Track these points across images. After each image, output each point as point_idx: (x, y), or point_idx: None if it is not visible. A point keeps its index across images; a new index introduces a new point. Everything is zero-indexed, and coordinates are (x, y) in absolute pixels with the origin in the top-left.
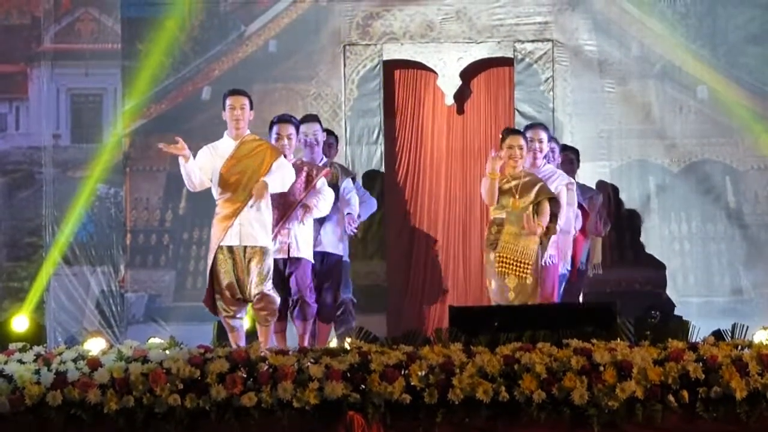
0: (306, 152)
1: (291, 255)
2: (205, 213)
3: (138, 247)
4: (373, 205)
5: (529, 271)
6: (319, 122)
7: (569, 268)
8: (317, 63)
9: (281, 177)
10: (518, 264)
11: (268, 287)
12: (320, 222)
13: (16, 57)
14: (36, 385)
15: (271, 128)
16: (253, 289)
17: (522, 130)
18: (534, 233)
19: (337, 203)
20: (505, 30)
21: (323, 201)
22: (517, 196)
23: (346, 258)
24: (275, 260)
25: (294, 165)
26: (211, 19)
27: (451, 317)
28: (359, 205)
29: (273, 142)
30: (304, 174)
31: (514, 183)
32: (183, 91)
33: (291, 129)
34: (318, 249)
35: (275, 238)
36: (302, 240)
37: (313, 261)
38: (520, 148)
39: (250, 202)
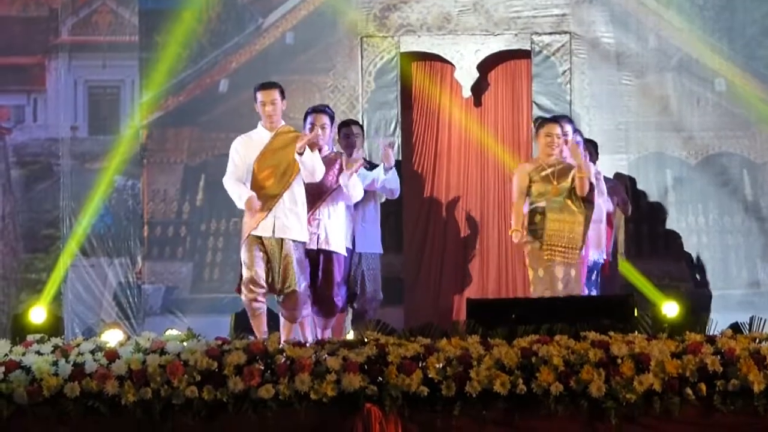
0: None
1: (320, 247)
2: (222, 205)
3: (155, 239)
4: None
5: (577, 257)
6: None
7: (605, 257)
8: (334, 55)
9: (312, 167)
10: (567, 250)
11: (302, 286)
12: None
13: (33, 49)
14: (54, 376)
15: (305, 119)
16: (285, 285)
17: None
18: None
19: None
20: (523, 22)
21: (355, 188)
22: (555, 182)
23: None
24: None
25: (328, 156)
26: (229, 12)
27: (468, 309)
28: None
29: (306, 132)
30: (337, 165)
31: (549, 170)
32: (200, 84)
33: (325, 119)
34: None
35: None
36: (333, 232)
37: (345, 254)
38: (558, 137)
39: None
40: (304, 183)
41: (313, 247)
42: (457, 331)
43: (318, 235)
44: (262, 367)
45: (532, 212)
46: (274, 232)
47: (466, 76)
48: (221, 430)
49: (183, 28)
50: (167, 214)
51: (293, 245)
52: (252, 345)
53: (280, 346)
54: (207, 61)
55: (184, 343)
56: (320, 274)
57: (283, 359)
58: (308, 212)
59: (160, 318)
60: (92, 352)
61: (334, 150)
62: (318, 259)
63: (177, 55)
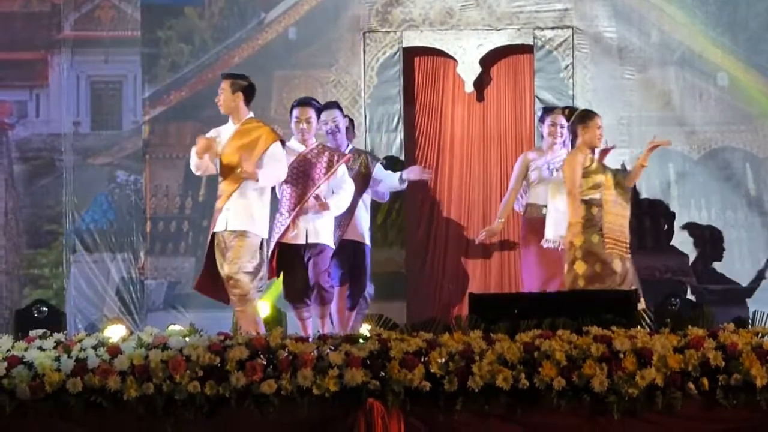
0: (329, 139)
1: (309, 241)
2: None
3: (158, 234)
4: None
5: (627, 250)
6: (339, 108)
7: None
8: (337, 50)
9: (272, 171)
10: (623, 244)
11: (236, 270)
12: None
13: (36, 44)
14: (56, 372)
15: (291, 112)
16: (225, 271)
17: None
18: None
19: (368, 190)
20: (525, 17)
21: (340, 197)
22: (606, 174)
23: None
24: (296, 246)
25: (315, 149)
26: (231, 6)
27: (470, 304)
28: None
29: (292, 126)
30: (325, 159)
31: (595, 163)
32: (202, 79)
33: (310, 112)
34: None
35: (293, 223)
36: (321, 225)
37: (333, 247)
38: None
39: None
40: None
41: (303, 241)
42: (459, 325)
43: (307, 230)
44: (265, 363)
45: (588, 204)
46: (226, 225)
47: (469, 71)
48: (223, 425)
49: (185, 23)
50: (170, 210)
51: (239, 234)
52: (254, 340)
53: (283, 341)
54: (209, 56)
55: (187, 339)
56: (310, 264)
57: (286, 354)
58: (295, 208)
59: (162, 313)
60: (95, 347)
61: (323, 143)
62: (307, 252)
63: (179, 50)
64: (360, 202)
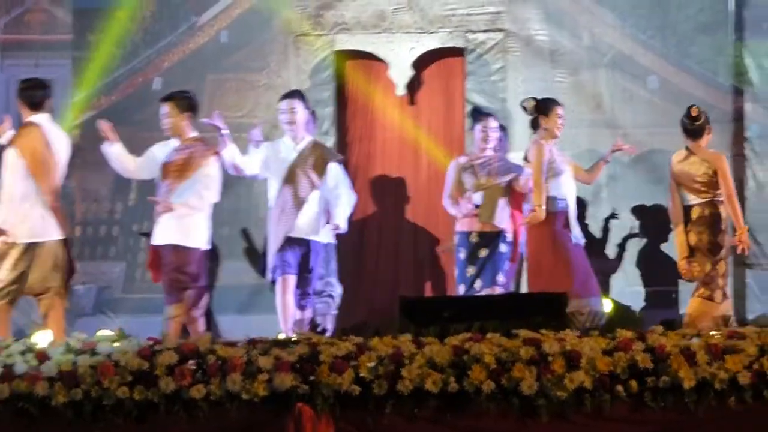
0: (286, 129)
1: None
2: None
3: (87, 239)
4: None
5: None
6: (298, 98)
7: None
8: (269, 53)
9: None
10: None
11: None
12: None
13: None
14: None
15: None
16: None
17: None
18: None
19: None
20: (457, 20)
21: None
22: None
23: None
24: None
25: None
26: (163, 10)
27: (401, 308)
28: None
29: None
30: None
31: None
32: (133, 83)
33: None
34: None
35: None
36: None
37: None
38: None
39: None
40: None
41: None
42: (389, 329)
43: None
44: (194, 367)
45: (704, 206)
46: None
47: (401, 74)
48: (153, 430)
49: (117, 27)
50: (99, 214)
51: None
52: (183, 345)
53: (212, 345)
54: (140, 59)
55: (116, 344)
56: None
57: (215, 359)
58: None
59: (92, 319)
60: (22, 353)
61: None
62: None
63: (110, 54)
64: (309, 198)
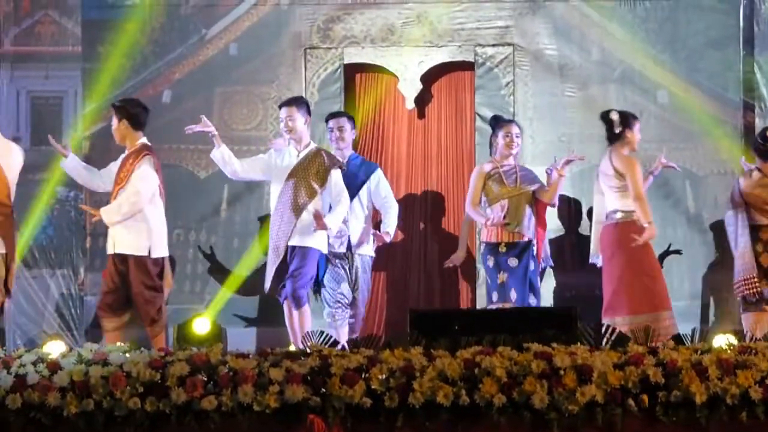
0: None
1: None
2: (166, 214)
3: (98, 250)
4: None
5: None
6: (296, 106)
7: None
8: (278, 66)
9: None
10: None
11: None
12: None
13: None
14: None
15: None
16: None
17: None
18: None
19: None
20: (466, 34)
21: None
22: None
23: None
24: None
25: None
26: (172, 22)
27: (411, 321)
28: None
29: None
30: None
31: None
32: (143, 94)
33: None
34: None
35: None
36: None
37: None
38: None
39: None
40: None
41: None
42: (400, 342)
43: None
44: (206, 379)
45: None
46: None
47: (410, 87)
48: None
49: (126, 39)
50: None
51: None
52: (195, 356)
53: (223, 357)
54: (150, 71)
55: (127, 355)
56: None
57: (226, 370)
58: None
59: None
60: (34, 363)
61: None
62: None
63: (120, 66)
64: (310, 206)
